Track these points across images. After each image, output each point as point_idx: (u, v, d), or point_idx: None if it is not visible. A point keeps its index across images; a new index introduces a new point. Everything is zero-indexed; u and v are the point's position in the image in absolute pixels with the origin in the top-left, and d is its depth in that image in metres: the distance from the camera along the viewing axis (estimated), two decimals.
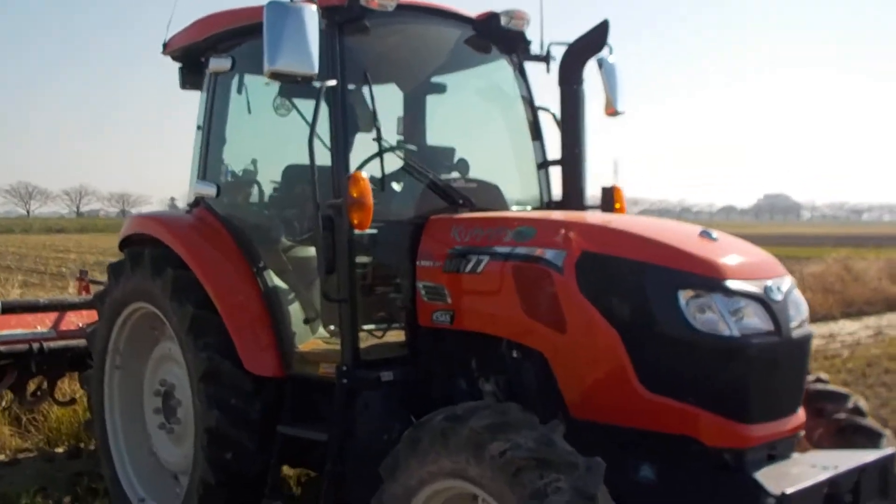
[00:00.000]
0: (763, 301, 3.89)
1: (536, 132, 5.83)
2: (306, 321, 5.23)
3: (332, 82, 4.70)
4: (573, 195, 5.42)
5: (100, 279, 8.35)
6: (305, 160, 6.14)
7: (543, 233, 4.30)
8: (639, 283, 3.94)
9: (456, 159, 5.60)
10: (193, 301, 5.20)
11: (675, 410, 3.85)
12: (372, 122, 4.92)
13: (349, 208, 4.45)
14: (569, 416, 4.10)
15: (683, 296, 3.83)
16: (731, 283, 3.84)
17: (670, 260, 3.93)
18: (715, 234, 4.18)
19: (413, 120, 6.20)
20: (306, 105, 6.17)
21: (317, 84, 4.57)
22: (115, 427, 6.15)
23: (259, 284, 5.22)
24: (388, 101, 6.64)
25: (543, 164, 5.82)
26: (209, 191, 5.56)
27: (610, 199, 5.57)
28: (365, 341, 4.83)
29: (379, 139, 4.87)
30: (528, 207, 5.76)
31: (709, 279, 3.85)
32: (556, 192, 5.84)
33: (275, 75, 4.35)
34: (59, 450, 7.88)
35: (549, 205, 5.80)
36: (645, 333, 3.91)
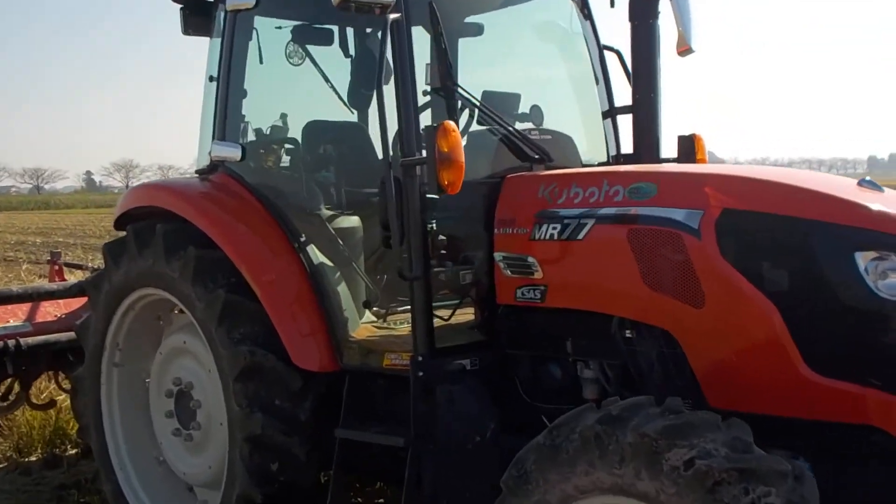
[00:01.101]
0: None
1: (601, 76, 5.11)
2: (366, 304, 4.45)
3: (396, 15, 3.88)
4: (647, 146, 4.74)
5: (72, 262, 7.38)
6: (329, 115, 5.42)
7: (668, 189, 3.58)
8: (802, 244, 3.27)
9: (528, 107, 4.83)
10: (224, 285, 4.38)
11: (852, 396, 3.17)
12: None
13: (438, 166, 3.66)
14: (703, 405, 3.43)
15: (862, 258, 3.16)
16: None
17: (842, 215, 3.25)
18: (870, 180, 3.53)
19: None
20: (321, 53, 5.41)
21: (392, 16, 3.77)
22: (116, 434, 5.30)
23: (303, 263, 4.42)
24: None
25: (610, 112, 5.09)
26: (232, 153, 4.67)
27: (690, 149, 4.87)
28: None
29: (454, 86, 4.09)
30: (595, 161, 5.05)
31: (894, 237, 3.20)
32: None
33: (345, 5, 3.56)
34: (33, 458, 6.93)
35: (618, 158, 5.09)
36: (812, 305, 3.24)
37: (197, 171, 5.20)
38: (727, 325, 3.38)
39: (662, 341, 3.59)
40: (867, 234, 3.20)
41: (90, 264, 8.24)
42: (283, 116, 5.05)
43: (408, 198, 3.85)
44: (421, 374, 3.89)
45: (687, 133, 4.92)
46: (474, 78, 5.33)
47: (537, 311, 3.94)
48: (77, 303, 6.39)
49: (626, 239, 3.59)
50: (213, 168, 4.91)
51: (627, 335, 3.72)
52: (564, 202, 3.83)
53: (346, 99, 5.57)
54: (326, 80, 5.42)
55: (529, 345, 4.06)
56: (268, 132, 5.02)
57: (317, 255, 4.45)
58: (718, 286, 3.36)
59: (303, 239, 4.47)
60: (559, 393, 3.99)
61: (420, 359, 3.89)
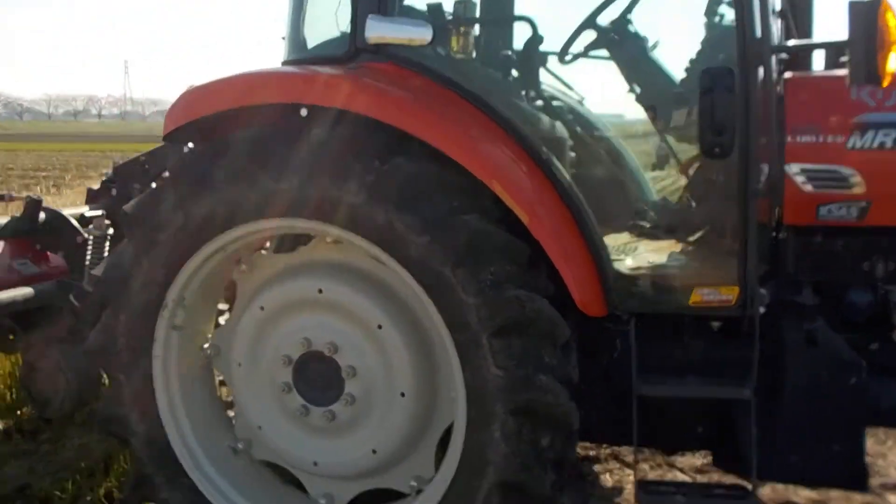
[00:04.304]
0: None
1: None
2: (670, 229, 3.56)
3: None
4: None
5: None
6: None
7: None
8: None
9: None
10: (458, 209, 3.22)
11: None
12: None
13: (883, 51, 2.93)
14: None
15: None
16: None
17: None
18: None
19: None
20: None
21: None
22: (180, 423, 3.83)
23: (556, 181, 3.39)
24: None
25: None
26: (415, 34, 3.39)
27: None
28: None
29: None
30: None
31: None
32: None
33: None
34: None
35: None
36: None
37: (287, 61, 3.83)
38: None
39: None
40: None
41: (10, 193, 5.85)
42: None
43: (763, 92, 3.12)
44: (764, 310, 3.23)
45: None
46: None
47: (845, 231, 3.45)
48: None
49: None
50: (354, 55, 3.57)
51: None
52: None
53: None
54: None
55: (825, 270, 3.53)
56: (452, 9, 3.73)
57: (565, 169, 3.45)
58: None
59: (545, 149, 3.43)
60: (855, 323, 3.55)
61: (764, 292, 3.23)
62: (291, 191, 3.34)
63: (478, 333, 3.21)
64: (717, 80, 3.11)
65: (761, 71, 3.15)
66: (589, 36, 4.04)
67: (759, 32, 3.12)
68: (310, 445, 3.71)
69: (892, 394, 3.37)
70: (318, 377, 3.61)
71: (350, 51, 3.56)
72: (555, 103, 3.83)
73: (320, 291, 3.58)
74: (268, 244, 4.03)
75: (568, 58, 4.06)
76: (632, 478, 4.65)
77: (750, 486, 3.31)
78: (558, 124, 3.67)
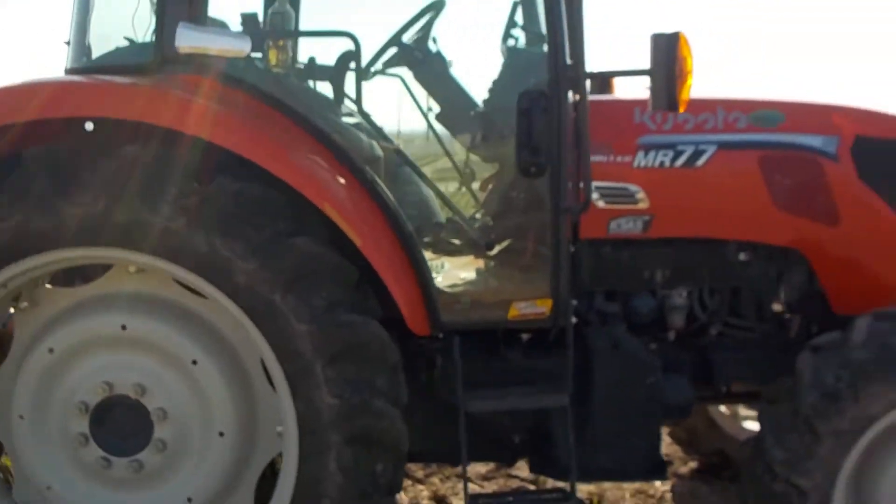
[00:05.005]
0: None
1: None
2: (489, 246, 3.59)
3: None
4: None
5: None
6: None
7: (797, 118, 3.76)
8: None
9: None
10: (287, 231, 3.09)
11: None
12: None
13: (680, 81, 3.18)
14: (826, 313, 3.79)
15: None
16: None
17: None
18: None
19: None
20: None
21: None
22: None
23: (380, 201, 3.34)
24: None
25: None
26: (231, 45, 3.19)
27: None
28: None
29: None
30: None
31: None
32: None
33: None
34: None
35: None
36: None
37: (72, 70, 3.46)
38: (859, 241, 3.74)
39: (783, 260, 3.80)
40: None
41: None
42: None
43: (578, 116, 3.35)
44: (576, 319, 3.45)
45: None
46: None
47: (632, 243, 3.76)
48: None
49: (756, 164, 3.70)
50: (159, 65, 3.27)
51: (742, 258, 3.81)
52: (672, 128, 3.74)
53: None
54: None
55: (615, 279, 3.81)
56: (269, 19, 3.52)
57: (386, 187, 3.41)
58: (854, 206, 3.72)
59: (367, 168, 3.38)
60: (640, 326, 3.86)
61: (575, 302, 3.47)
62: (93, 216, 3.03)
63: (311, 362, 3.11)
64: (534, 103, 3.27)
65: (571, 94, 3.34)
66: (392, 52, 4.07)
67: (569, 59, 3.31)
68: (112, 502, 3.37)
69: (674, 389, 3.69)
70: (121, 424, 3.30)
71: (156, 60, 3.27)
72: (368, 120, 3.80)
73: (123, 328, 3.28)
74: None
75: (371, 73, 4.06)
76: (426, 493, 4.73)
77: (569, 488, 3.48)
78: (374, 143, 3.67)
